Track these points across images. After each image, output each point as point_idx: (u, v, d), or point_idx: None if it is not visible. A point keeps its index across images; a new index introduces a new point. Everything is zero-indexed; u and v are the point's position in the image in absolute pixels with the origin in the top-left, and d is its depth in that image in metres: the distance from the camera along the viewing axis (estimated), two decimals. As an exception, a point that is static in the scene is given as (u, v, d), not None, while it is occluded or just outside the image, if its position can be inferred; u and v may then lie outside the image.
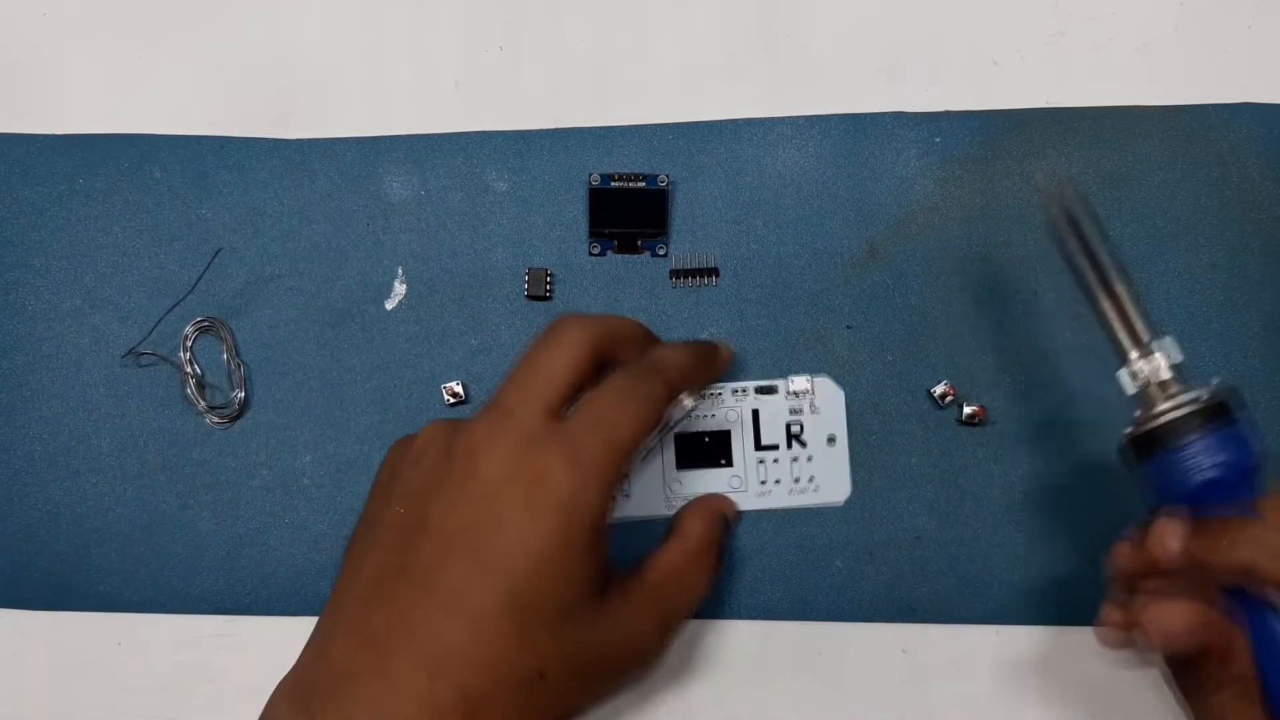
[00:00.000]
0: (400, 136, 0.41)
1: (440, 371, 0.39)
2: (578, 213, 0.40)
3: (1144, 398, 0.29)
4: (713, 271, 0.39)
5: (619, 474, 0.31)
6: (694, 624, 0.38)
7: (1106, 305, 0.29)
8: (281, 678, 0.31)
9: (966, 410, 0.37)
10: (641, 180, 0.39)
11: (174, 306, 0.40)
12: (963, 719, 0.37)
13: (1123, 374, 0.29)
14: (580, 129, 0.40)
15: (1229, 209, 0.38)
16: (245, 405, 0.40)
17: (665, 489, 0.38)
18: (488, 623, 0.29)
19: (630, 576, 0.33)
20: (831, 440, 0.38)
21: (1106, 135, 0.39)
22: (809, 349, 0.39)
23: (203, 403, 0.39)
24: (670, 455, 0.38)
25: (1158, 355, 0.29)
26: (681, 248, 0.39)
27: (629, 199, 0.39)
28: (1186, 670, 0.31)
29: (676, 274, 0.39)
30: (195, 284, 0.40)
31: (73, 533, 0.40)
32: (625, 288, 0.39)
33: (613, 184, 0.39)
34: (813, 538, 0.38)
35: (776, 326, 0.39)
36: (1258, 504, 0.28)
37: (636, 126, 0.40)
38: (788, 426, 0.38)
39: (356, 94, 0.41)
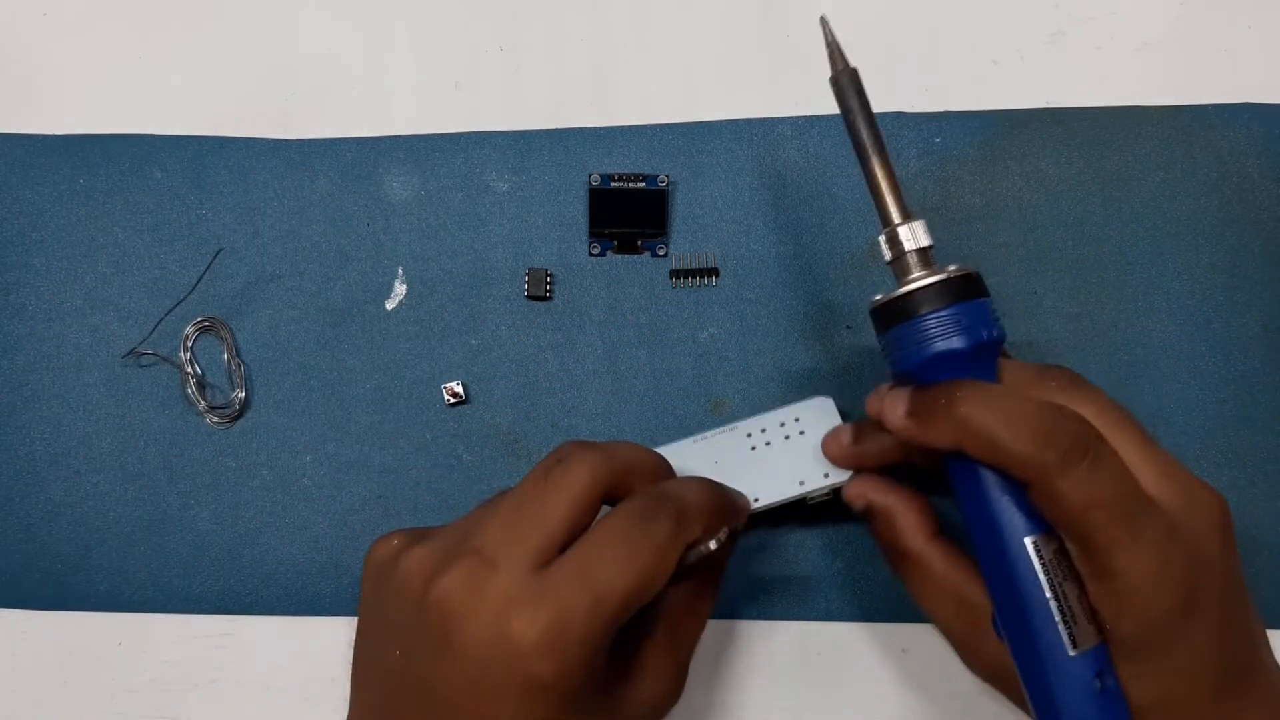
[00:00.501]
0: (400, 136, 0.41)
1: (440, 371, 0.39)
2: (578, 213, 0.40)
3: (898, 266, 0.30)
4: (713, 271, 0.39)
5: (611, 633, 0.28)
6: (694, 624, 0.38)
7: (878, 175, 0.30)
8: None
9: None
10: (641, 180, 0.39)
11: (174, 307, 0.40)
12: (962, 719, 0.37)
13: (881, 239, 0.30)
14: (580, 129, 0.40)
15: (1229, 209, 0.38)
16: (245, 405, 0.40)
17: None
18: None
19: (642, 643, 0.31)
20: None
21: (1106, 135, 0.39)
22: (809, 349, 0.39)
23: (203, 403, 0.39)
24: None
25: (915, 226, 0.30)
26: (681, 248, 0.40)
27: (629, 199, 0.39)
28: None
29: (676, 274, 0.39)
30: (196, 284, 0.40)
31: (73, 533, 0.40)
32: (625, 288, 0.39)
33: (613, 184, 0.39)
34: (813, 538, 0.38)
35: (776, 326, 0.39)
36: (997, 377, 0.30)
37: (636, 126, 0.40)
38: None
39: (356, 94, 0.41)
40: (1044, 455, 0.27)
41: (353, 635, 0.38)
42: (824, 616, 0.38)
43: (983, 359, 0.29)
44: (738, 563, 0.38)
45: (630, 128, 0.40)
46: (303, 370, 0.40)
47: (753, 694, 0.37)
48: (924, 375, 0.29)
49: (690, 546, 0.29)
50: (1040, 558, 0.28)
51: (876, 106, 0.40)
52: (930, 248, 0.30)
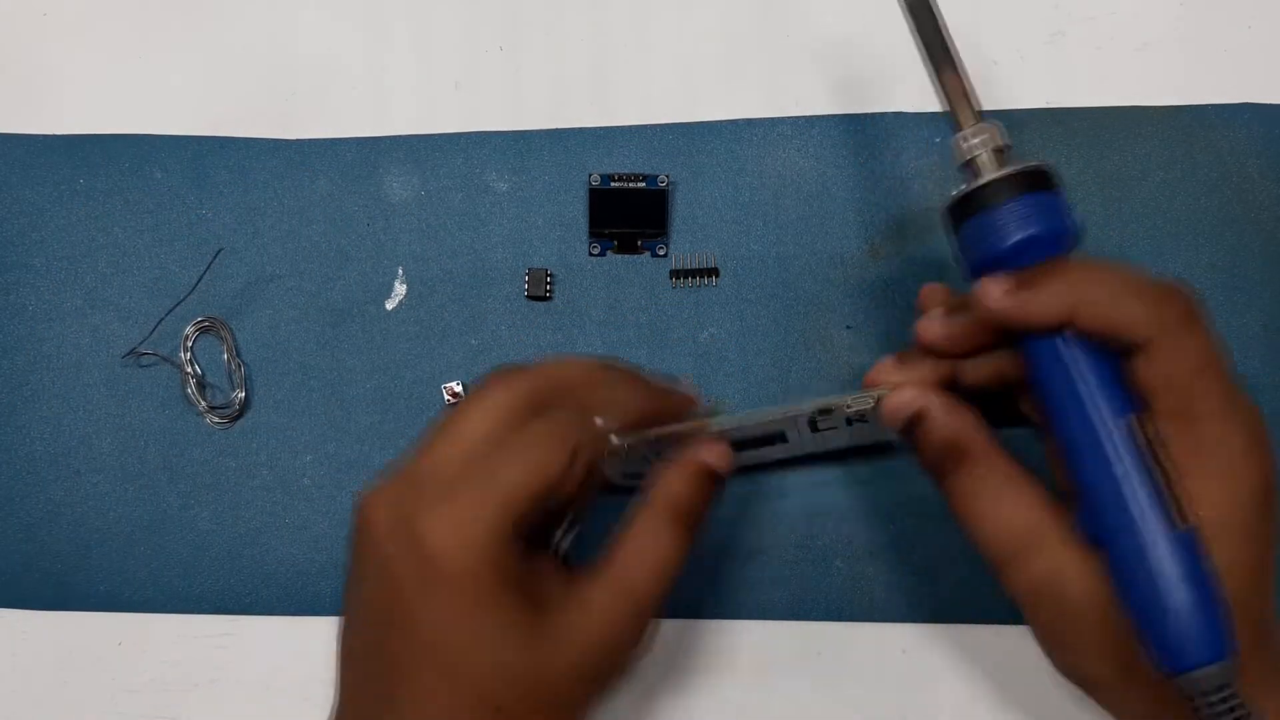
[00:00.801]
0: (400, 136, 0.41)
1: (440, 371, 0.39)
2: (578, 213, 0.40)
3: (973, 167, 0.30)
4: (713, 272, 0.39)
5: (516, 528, 0.28)
6: (694, 624, 0.38)
7: (950, 81, 0.30)
8: None
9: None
10: (641, 180, 0.39)
11: (174, 307, 0.40)
12: (962, 719, 0.37)
13: (957, 139, 0.30)
14: (580, 129, 0.40)
15: (1229, 209, 0.38)
16: (245, 405, 0.40)
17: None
18: (434, 695, 0.28)
19: (589, 575, 0.31)
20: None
21: (1106, 135, 0.39)
22: (809, 349, 0.39)
23: (203, 403, 0.40)
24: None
25: (992, 128, 0.30)
26: (681, 248, 0.40)
27: (629, 199, 0.39)
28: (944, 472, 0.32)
29: (676, 274, 0.39)
30: (196, 284, 0.40)
31: (73, 533, 0.40)
32: (625, 288, 0.39)
33: (613, 184, 0.39)
34: (813, 538, 0.38)
35: (776, 326, 0.39)
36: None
37: (636, 126, 0.40)
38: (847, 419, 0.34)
39: (356, 94, 0.41)
40: (1161, 317, 0.27)
41: (353, 635, 0.39)
42: (824, 616, 0.38)
43: (1068, 247, 0.29)
44: (738, 563, 0.38)
45: (630, 128, 0.40)
46: (303, 370, 0.40)
47: (753, 694, 0.37)
48: (1014, 260, 0.29)
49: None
50: (1143, 433, 0.28)
51: (876, 106, 0.40)
52: (1010, 148, 0.30)
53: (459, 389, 0.39)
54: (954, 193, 0.30)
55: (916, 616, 0.37)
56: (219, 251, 0.40)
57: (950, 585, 0.37)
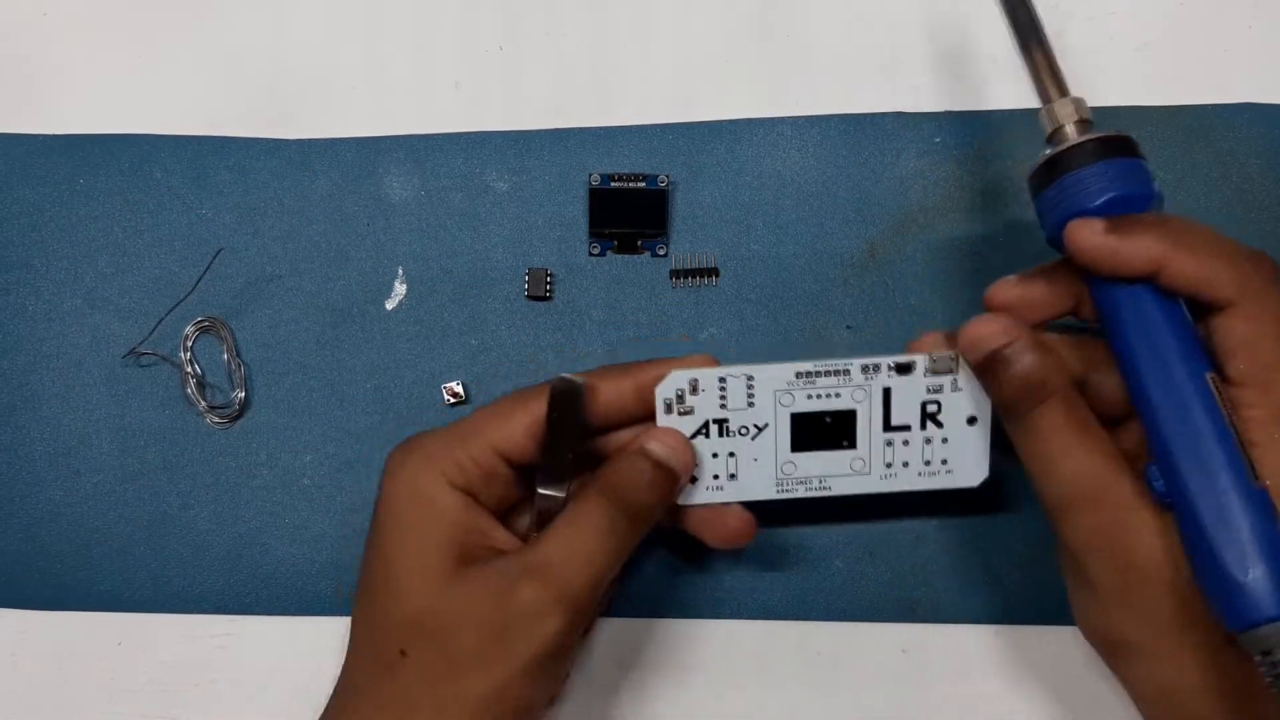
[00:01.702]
0: (400, 136, 0.41)
1: (440, 371, 0.39)
2: (578, 213, 0.40)
3: (1059, 135, 0.31)
4: (713, 272, 0.39)
5: (452, 483, 0.32)
6: (694, 624, 0.38)
7: (1039, 56, 0.31)
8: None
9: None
10: (641, 180, 0.39)
11: (175, 307, 0.40)
12: (962, 719, 0.37)
13: (1044, 111, 0.31)
14: (580, 129, 0.40)
15: (1229, 209, 0.38)
16: (245, 405, 0.40)
17: (778, 470, 0.34)
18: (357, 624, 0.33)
19: (519, 551, 0.31)
20: (972, 421, 0.33)
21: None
22: (809, 349, 0.39)
23: (203, 403, 0.39)
24: (785, 435, 0.33)
25: (1078, 101, 0.31)
26: (681, 248, 0.40)
27: (629, 199, 0.39)
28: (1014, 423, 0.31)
29: (676, 274, 0.39)
30: (196, 284, 0.40)
31: (73, 533, 0.40)
32: (625, 288, 0.39)
33: (613, 184, 0.39)
34: (813, 537, 0.38)
35: (776, 326, 0.39)
36: None
37: (636, 126, 0.40)
38: (923, 406, 0.33)
39: (356, 94, 0.41)
40: (1247, 279, 0.28)
41: (353, 635, 0.39)
42: (824, 616, 0.38)
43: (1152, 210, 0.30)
44: (738, 563, 0.38)
45: (630, 128, 0.40)
46: (303, 370, 0.40)
47: (753, 694, 0.37)
48: (1112, 210, 0.29)
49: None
50: (1220, 391, 0.28)
51: (876, 106, 0.40)
52: (1093, 122, 0.31)
53: (459, 389, 0.39)
54: (1042, 157, 0.31)
55: (916, 616, 0.37)
56: (219, 251, 0.40)
57: (950, 585, 0.37)
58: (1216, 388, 0.28)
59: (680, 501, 0.33)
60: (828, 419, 0.33)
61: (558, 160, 0.40)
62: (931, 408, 0.33)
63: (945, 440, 0.33)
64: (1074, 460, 0.29)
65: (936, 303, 0.39)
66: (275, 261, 0.40)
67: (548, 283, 0.39)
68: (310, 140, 0.41)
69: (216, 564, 0.39)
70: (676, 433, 0.33)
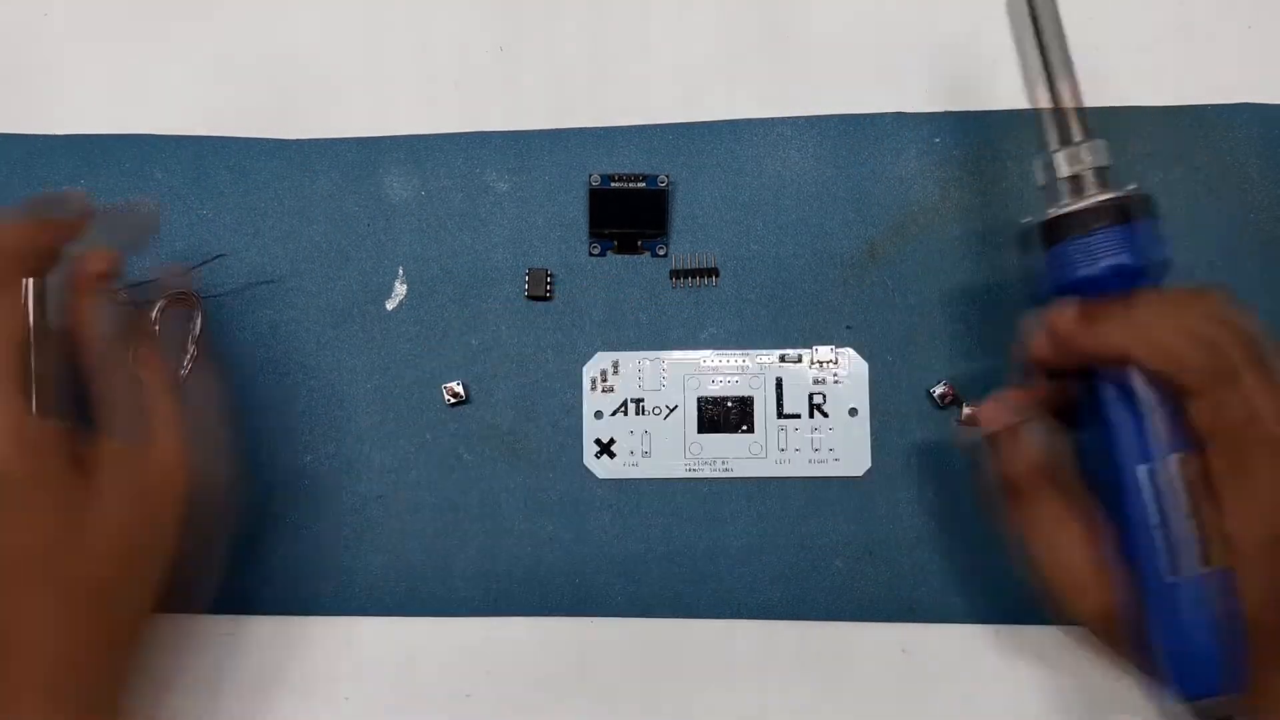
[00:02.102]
0: (400, 136, 0.41)
1: (440, 371, 0.39)
2: (578, 213, 0.40)
3: (1075, 182, 0.31)
4: (713, 272, 0.39)
5: None
6: (694, 624, 0.38)
7: (1065, 92, 0.31)
8: None
9: (966, 410, 0.37)
10: (641, 180, 0.39)
11: (208, 259, 0.40)
12: (962, 719, 0.37)
13: (1060, 156, 0.31)
14: (580, 129, 0.40)
15: (1229, 209, 0.38)
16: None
17: (685, 451, 0.38)
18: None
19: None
20: (854, 412, 0.38)
21: (1106, 135, 0.39)
22: (809, 349, 0.39)
23: None
24: (692, 418, 0.38)
25: (1097, 144, 0.31)
26: (681, 248, 0.39)
27: (629, 199, 0.39)
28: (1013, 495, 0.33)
29: (677, 274, 0.39)
30: (195, 266, 0.40)
31: (73, 533, 0.39)
32: (625, 288, 0.39)
33: (613, 184, 0.39)
34: (813, 537, 0.38)
35: (776, 326, 0.39)
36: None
37: (636, 126, 0.40)
38: (810, 396, 0.38)
39: (356, 94, 0.41)
40: (1216, 364, 0.28)
41: (353, 635, 0.39)
42: (824, 616, 0.38)
43: (1150, 278, 0.30)
44: (738, 563, 0.38)
45: (630, 128, 0.40)
46: (303, 370, 0.40)
47: (752, 694, 0.37)
48: (1091, 289, 0.30)
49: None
50: (1183, 474, 0.29)
51: (877, 106, 0.40)
52: (1109, 168, 0.31)
53: (459, 389, 0.39)
54: (1048, 212, 0.31)
55: (916, 616, 0.37)
56: (218, 256, 0.40)
57: (950, 585, 0.37)
58: (1177, 470, 0.29)
59: (600, 475, 0.38)
60: (729, 404, 0.38)
61: (558, 160, 0.40)
62: (817, 398, 0.38)
63: (832, 429, 0.38)
64: (1060, 557, 0.32)
65: (936, 303, 0.39)
66: (275, 262, 0.40)
67: (548, 283, 0.39)
68: (310, 140, 0.41)
69: (217, 564, 0.39)
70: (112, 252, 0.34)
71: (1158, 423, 0.29)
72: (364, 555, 0.39)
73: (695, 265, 0.39)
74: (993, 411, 0.33)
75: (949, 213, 0.39)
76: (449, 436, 0.39)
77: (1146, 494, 0.29)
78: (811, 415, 0.38)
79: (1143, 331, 0.29)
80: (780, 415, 0.38)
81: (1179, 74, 0.39)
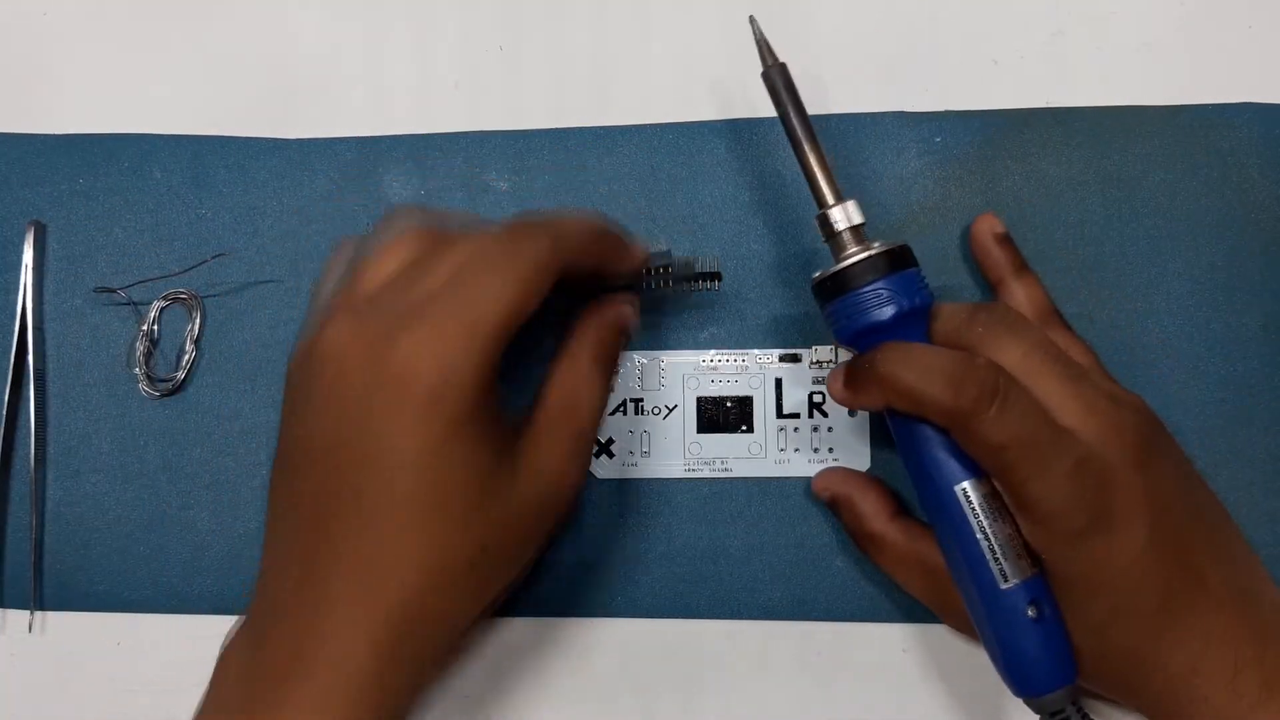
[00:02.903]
0: (400, 136, 0.41)
1: (440, 371, 0.39)
2: (578, 213, 0.40)
3: (834, 244, 0.33)
4: (714, 276, 0.39)
5: (492, 354, 0.28)
6: (694, 624, 0.38)
7: (811, 161, 0.33)
8: (236, 621, 0.31)
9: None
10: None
11: (208, 259, 0.40)
12: (962, 718, 0.37)
13: (816, 221, 0.33)
14: (580, 129, 0.40)
15: (1229, 209, 0.38)
16: (180, 387, 0.40)
17: (685, 451, 0.38)
18: (410, 531, 0.28)
19: (530, 420, 0.31)
20: (853, 412, 0.38)
21: (1106, 135, 0.39)
22: (809, 349, 0.39)
23: (144, 366, 0.39)
24: (692, 418, 0.38)
25: (847, 206, 0.33)
26: (682, 248, 0.39)
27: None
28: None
29: (678, 275, 0.39)
30: (191, 267, 0.40)
31: (73, 533, 0.40)
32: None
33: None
34: (813, 537, 0.38)
35: (777, 327, 0.39)
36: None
37: (636, 126, 0.40)
38: (810, 396, 0.38)
39: (356, 94, 0.41)
40: (957, 402, 0.29)
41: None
42: (824, 616, 0.38)
43: (909, 323, 0.32)
44: (738, 563, 0.38)
45: (630, 127, 0.40)
46: (303, 370, 0.40)
47: (753, 694, 0.37)
48: (858, 344, 0.33)
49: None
50: (970, 500, 0.31)
51: (877, 106, 0.40)
52: (862, 225, 0.33)
53: (459, 389, 0.39)
54: (815, 274, 0.33)
55: (916, 617, 0.37)
56: (218, 255, 0.40)
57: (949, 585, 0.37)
58: (970, 493, 0.31)
59: (600, 475, 0.38)
60: (729, 404, 0.38)
61: (558, 160, 0.40)
62: (817, 398, 0.38)
63: (830, 429, 0.38)
64: (910, 584, 0.35)
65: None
66: (275, 261, 0.40)
67: (548, 283, 0.39)
68: (310, 140, 0.41)
69: (216, 564, 0.39)
70: (634, 299, 0.36)
71: (950, 452, 0.31)
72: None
73: (696, 269, 0.39)
74: (823, 481, 0.37)
75: (949, 213, 0.39)
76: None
77: (965, 511, 0.31)
78: (811, 415, 0.38)
79: (891, 384, 0.30)
80: (780, 415, 0.38)
81: (1179, 74, 0.39)
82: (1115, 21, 0.40)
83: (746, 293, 0.39)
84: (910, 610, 0.37)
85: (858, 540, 0.36)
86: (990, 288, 0.37)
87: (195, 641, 0.39)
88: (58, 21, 0.43)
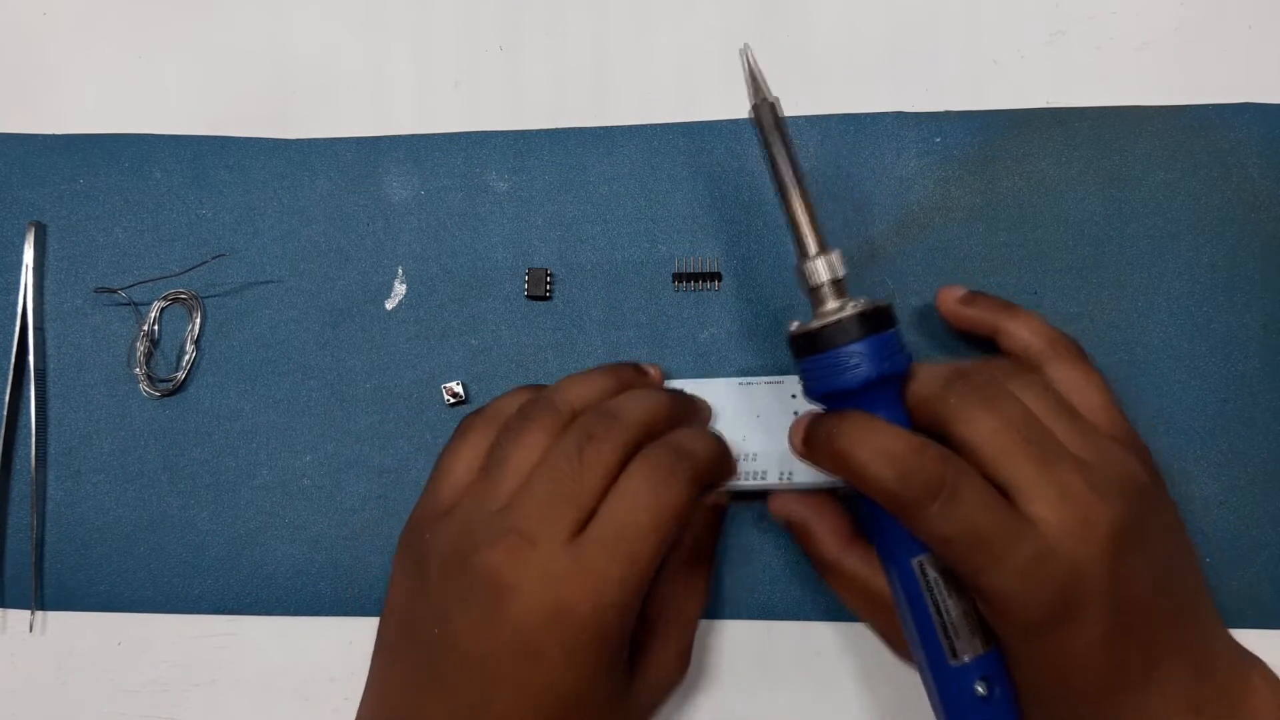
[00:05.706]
0: (400, 136, 0.41)
1: (440, 371, 0.39)
2: (578, 213, 0.40)
3: (814, 297, 0.31)
4: (715, 276, 0.39)
5: (644, 586, 0.30)
6: (694, 624, 0.38)
7: (796, 208, 0.31)
8: None
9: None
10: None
11: (208, 259, 0.40)
12: (963, 719, 0.37)
13: (801, 269, 0.31)
14: (580, 129, 0.40)
15: (1229, 209, 0.38)
16: (180, 387, 0.40)
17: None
18: None
19: (644, 629, 0.33)
20: None
21: (1106, 135, 0.39)
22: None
23: (144, 366, 0.39)
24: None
25: (832, 257, 0.30)
26: (682, 248, 0.39)
27: None
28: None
29: (678, 276, 0.39)
30: (193, 267, 0.40)
31: (73, 533, 0.40)
32: (626, 289, 0.39)
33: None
34: (813, 538, 0.38)
35: (778, 327, 0.39)
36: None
37: (636, 126, 0.40)
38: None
39: (356, 94, 0.41)
40: (903, 493, 0.28)
41: (352, 635, 0.39)
42: (824, 616, 0.38)
43: (879, 391, 0.30)
44: (738, 563, 0.38)
45: (630, 127, 0.40)
46: (303, 370, 0.40)
47: (753, 694, 0.37)
48: (827, 404, 0.31)
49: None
50: (926, 575, 0.30)
51: (878, 106, 0.40)
52: (844, 279, 0.31)
53: (459, 389, 0.39)
54: (791, 325, 0.31)
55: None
56: (218, 256, 0.40)
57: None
58: (924, 569, 0.30)
59: None
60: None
61: (558, 160, 0.40)
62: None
63: None
64: (861, 612, 0.35)
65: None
66: (275, 261, 0.40)
67: (548, 283, 0.39)
68: (310, 140, 0.41)
69: (216, 564, 0.39)
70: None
71: (898, 527, 0.30)
72: (364, 555, 0.39)
73: (697, 269, 0.39)
74: (778, 504, 0.35)
75: (949, 213, 0.39)
76: (449, 436, 0.39)
77: (919, 585, 0.30)
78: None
79: (843, 460, 0.29)
80: None
81: (1179, 74, 0.39)
82: (1115, 22, 0.40)
83: (747, 293, 0.39)
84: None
85: (814, 565, 0.35)
86: (991, 343, 0.36)
87: (195, 641, 0.39)
88: (58, 21, 0.43)
